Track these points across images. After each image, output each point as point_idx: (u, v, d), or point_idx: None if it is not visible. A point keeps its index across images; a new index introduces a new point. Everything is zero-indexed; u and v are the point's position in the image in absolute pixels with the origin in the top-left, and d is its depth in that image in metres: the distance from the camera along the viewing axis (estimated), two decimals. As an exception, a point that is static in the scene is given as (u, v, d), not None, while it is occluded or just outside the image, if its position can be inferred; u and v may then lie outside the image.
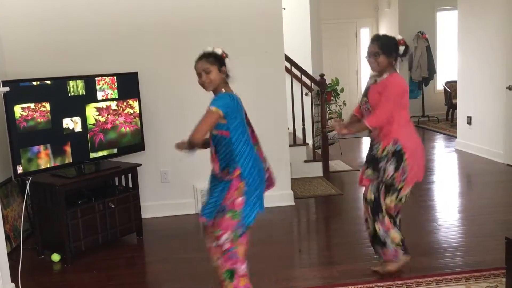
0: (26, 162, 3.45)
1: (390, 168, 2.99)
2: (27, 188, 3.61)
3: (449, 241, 3.74)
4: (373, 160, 3.08)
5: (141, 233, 4.10)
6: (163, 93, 4.50)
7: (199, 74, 2.61)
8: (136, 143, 4.15)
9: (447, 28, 9.30)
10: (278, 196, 4.77)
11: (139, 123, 4.15)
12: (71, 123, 3.71)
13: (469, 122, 6.74)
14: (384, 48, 3.00)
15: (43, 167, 3.56)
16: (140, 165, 4.10)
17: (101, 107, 3.88)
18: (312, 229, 4.48)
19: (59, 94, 3.64)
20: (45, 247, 3.77)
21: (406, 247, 3.16)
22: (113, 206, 3.86)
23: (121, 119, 4.02)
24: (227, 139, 2.57)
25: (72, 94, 3.72)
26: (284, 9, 4.93)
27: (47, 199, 3.64)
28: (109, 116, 3.94)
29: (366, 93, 3.14)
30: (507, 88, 5.79)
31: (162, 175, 4.60)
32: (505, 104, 5.88)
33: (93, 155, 3.87)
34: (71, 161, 3.72)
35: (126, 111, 4.05)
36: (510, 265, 2.68)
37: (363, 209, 3.21)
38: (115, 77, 3.96)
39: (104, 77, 3.88)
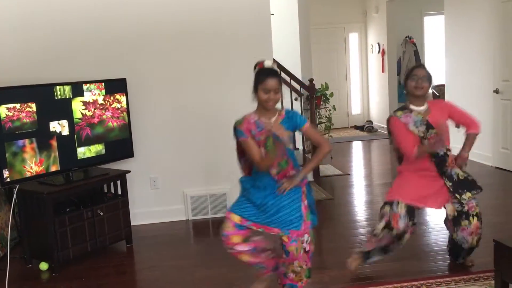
0: (11, 156, 3.38)
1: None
2: (14, 196, 3.56)
3: (439, 244, 3.75)
4: (463, 184, 3.15)
5: (131, 240, 4.07)
6: (152, 100, 4.47)
7: (268, 91, 2.60)
8: (124, 138, 4.09)
9: (434, 33, 9.40)
10: (269, 201, 4.76)
11: (126, 118, 4.10)
12: (58, 126, 3.67)
13: (457, 126, 6.77)
14: (429, 75, 3.11)
15: (29, 165, 3.48)
16: (129, 171, 4.07)
17: (87, 101, 3.83)
18: (303, 234, 4.46)
19: (45, 98, 3.60)
20: (33, 256, 3.72)
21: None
22: (101, 213, 3.82)
23: (108, 114, 3.97)
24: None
25: (59, 97, 3.68)
26: (273, 14, 4.95)
27: (34, 207, 3.59)
28: (96, 110, 3.89)
29: (430, 126, 3.09)
30: (494, 91, 5.85)
31: (152, 181, 4.57)
32: (493, 107, 5.94)
33: (80, 153, 3.80)
34: (58, 164, 3.65)
35: (113, 106, 4.00)
36: (499, 267, 2.69)
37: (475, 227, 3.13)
38: (103, 83, 3.94)
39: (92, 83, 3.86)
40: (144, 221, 4.52)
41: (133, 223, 4.15)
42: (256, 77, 2.64)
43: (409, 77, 3.12)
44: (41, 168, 3.57)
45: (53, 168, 3.65)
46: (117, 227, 3.97)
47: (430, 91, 3.20)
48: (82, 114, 3.80)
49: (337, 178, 6.03)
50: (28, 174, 3.50)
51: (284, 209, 2.65)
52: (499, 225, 4.07)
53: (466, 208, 3.10)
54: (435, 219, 4.37)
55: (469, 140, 3.26)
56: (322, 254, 3.83)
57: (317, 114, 6.29)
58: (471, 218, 3.08)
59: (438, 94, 8.77)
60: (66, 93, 3.72)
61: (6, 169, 3.38)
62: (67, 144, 3.73)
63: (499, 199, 4.95)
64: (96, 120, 3.90)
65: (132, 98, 4.22)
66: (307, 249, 2.70)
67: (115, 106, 4.02)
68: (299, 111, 6.08)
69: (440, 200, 3.13)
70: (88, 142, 3.86)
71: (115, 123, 4.02)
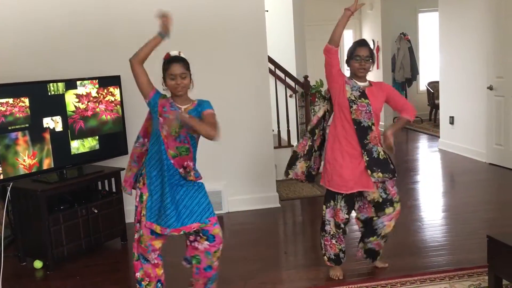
0: (4, 149, 3.35)
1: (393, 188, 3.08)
2: (8, 194, 3.55)
3: (433, 240, 3.77)
4: (379, 163, 3.01)
5: (126, 238, 4.06)
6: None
7: (174, 77, 2.61)
8: (117, 131, 4.07)
9: (429, 30, 9.42)
10: (264, 198, 4.78)
11: (120, 111, 4.07)
12: (52, 123, 3.65)
13: (452, 122, 6.82)
14: (372, 54, 3.07)
15: (22, 157, 3.45)
16: (123, 169, 4.03)
17: (81, 94, 3.81)
18: (298, 231, 4.48)
19: (38, 94, 3.58)
20: (27, 254, 3.70)
21: None
22: (96, 211, 3.81)
23: (102, 107, 3.95)
24: (195, 142, 2.71)
25: (53, 93, 3.66)
26: (267, 11, 4.94)
27: (28, 205, 3.58)
28: (89, 103, 3.86)
29: (364, 96, 3.01)
30: (487, 88, 5.87)
31: (146, 179, 4.55)
32: (486, 103, 5.97)
33: (74, 149, 3.77)
34: (51, 157, 3.62)
35: (107, 99, 3.97)
36: (492, 263, 2.71)
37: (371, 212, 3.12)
38: (97, 80, 3.92)
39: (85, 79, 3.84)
40: (139, 218, 4.50)
41: (127, 220, 4.13)
42: (163, 67, 2.65)
43: (352, 57, 3.04)
44: (34, 161, 3.54)
45: (46, 162, 3.62)
46: (112, 224, 3.95)
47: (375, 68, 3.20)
48: (75, 107, 3.78)
49: (332, 174, 6.03)
50: (21, 167, 3.47)
51: (189, 201, 2.67)
52: (493, 221, 4.10)
53: (390, 195, 3.05)
54: (429, 215, 4.40)
55: (399, 123, 3.16)
56: (317, 251, 3.84)
57: (312, 111, 6.28)
58: (395, 204, 3.06)
59: (432, 91, 8.81)
60: (60, 89, 3.70)
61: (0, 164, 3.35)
62: (61, 140, 3.70)
63: (493, 195, 4.98)
64: (89, 113, 3.87)
65: (126, 95, 4.19)
66: None
67: (108, 99, 3.98)
68: (294, 108, 6.08)
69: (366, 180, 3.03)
70: (82, 135, 3.83)
71: (108, 116, 4.00)
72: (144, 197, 2.70)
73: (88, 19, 4.28)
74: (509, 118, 5.61)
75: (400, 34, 9.17)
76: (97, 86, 3.91)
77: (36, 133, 3.54)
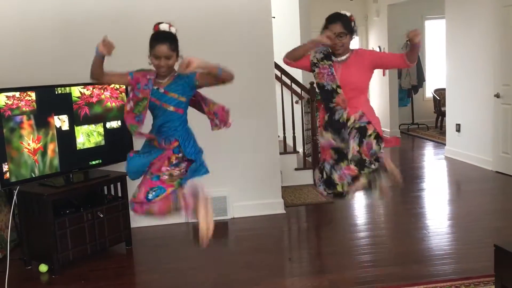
0: (8, 132, 3.34)
1: (354, 145, 2.83)
2: (15, 197, 3.56)
3: (439, 248, 3.75)
4: (335, 125, 2.88)
5: (130, 242, 4.06)
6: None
7: (158, 57, 2.57)
8: (122, 119, 3.98)
9: (435, 37, 9.40)
10: (269, 204, 4.77)
11: (125, 98, 4.04)
12: (58, 121, 3.66)
13: (458, 130, 6.79)
14: (348, 27, 2.84)
15: (26, 141, 3.44)
16: (129, 174, 4.06)
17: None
18: (303, 237, 4.47)
19: (45, 95, 3.60)
20: (32, 258, 3.71)
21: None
22: (101, 215, 3.82)
23: (107, 94, 3.95)
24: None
25: (60, 92, 3.68)
26: (274, 17, 4.95)
27: (34, 208, 3.59)
28: (94, 90, 3.87)
29: (328, 58, 2.86)
30: (494, 95, 5.85)
31: (152, 184, 4.56)
32: (493, 111, 5.94)
33: (79, 144, 3.76)
34: (56, 142, 3.61)
35: (112, 86, 3.96)
36: (499, 272, 2.69)
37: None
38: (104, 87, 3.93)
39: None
40: (144, 223, 4.50)
41: (133, 225, 4.14)
42: (150, 40, 2.59)
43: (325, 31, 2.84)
44: (38, 145, 3.53)
45: (51, 147, 3.60)
46: (117, 229, 3.96)
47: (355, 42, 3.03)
48: (80, 93, 3.78)
49: (337, 181, 6.01)
50: (26, 151, 3.46)
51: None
52: (500, 229, 4.07)
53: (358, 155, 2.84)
54: (435, 223, 4.37)
55: (413, 51, 2.81)
56: (321, 258, 3.83)
57: (318, 117, 6.28)
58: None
59: (439, 98, 8.78)
60: (67, 89, 3.72)
61: (6, 163, 3.36)
62: (67, 138, 3.70)
63: (499, 204, 4.95)
64: (94, 99, 3.86)
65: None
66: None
67: (114, 87, 3.97)
68: (300, 114, 6.08)
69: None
70: (86, 121, 3.81)
71: (113, 104, 3.99)
72: None
73: (92, 23, 4.31)
74: (516, 126, 5.59)
75: (407, 41, 9.13)
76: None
77: (41, 117, 3.54)
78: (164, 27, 2.60)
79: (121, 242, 4.02)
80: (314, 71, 2.89)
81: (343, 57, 2.91)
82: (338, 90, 2.85)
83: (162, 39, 2.56)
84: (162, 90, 2.64)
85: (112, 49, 2.53)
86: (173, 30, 2.63)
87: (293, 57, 2.97)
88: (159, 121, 2.68)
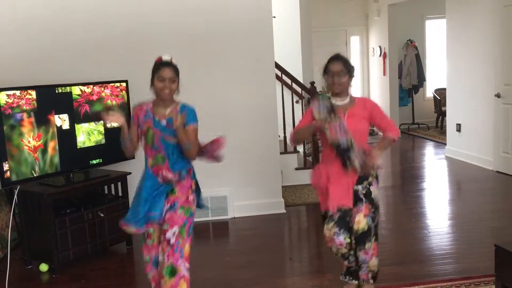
0: (9, 129, 3.35)
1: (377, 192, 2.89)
2: (15, 197, 3.56)
3: (439, 248, 3.75)
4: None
5: (131, 242, 4.06)
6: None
7: (163, 79, 2.64)
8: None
9: (436, 36, 9.40)
10: (269, 204, 4.77)
11: (126, 96, 4.06)
12: (59, 120, 3.66)
13: (459, 129, 6.79)
14: (348, 67, 2.83)
15: (27, 139, 3.44)
16: (130, 173, 4.06)
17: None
18: (303, 237, 4.47)
19: (46, 95, 3.61)
20: (33, 257, 3.71)
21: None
22: (102, 215, 3.82)
23: (107, 91, 3.95)
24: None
25: (60, 91, 3.68)
26: (274, 17, 4.95)
27: (35, 208, 3.59)
28: (94, 87, 3.87)
29: (334, 113, 2.81)
30: (495, 95, 5.85)
31: (152, 183, 4.55)
32: (494, 111, 5.94)
33: (80, 143, 3.77)
34: (56, 140, 3.62)
35: (112, 84, 3.98)
36: (500, 272, 2.69)
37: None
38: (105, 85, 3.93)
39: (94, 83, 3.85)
40: (144, 223, 4.50)
41: (133, 225, 4.14)
42: (153, 69, 2.69)
43: (325, 71, 2.83)
44: (39, 142, 3.53)
45: (51, 145, 3.60)
46: (118, 228, 3.91)
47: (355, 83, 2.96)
48: (81, 90, 3.79)
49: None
50: (26, 148, 3.46)
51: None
52: (500, 229, 4.07)
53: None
54: (436, 223, 4.37)
55: (384, 142, 2.88)
56: (322, 258, 3.82)
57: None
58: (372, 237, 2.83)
59: (439, 98, 8.78)
60: (67, 88, 3.72)
61: (6, 162, 3.36)
62: (68, 137, 3.70)
63: (500, 204, 4.95)
64: (95, 97, 3.87)
65: (133, 101, 4.21)
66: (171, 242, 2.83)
67: (114, 84, 3.99)
68: (300, 114, 6.08)
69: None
70: (86, 119, 3.81)
71: (114, 102, 3.99)
72: None
73: (94, 24, 4.31)
74: (517, 126, 5.59)
75: (407, 41, 9.16)
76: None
77: (41, 115, 3.54)
78: (166, 58, 2.71)
79: (122, 242, 4.02)
80: (325, 127, 2.79)
81: (345, 102, 2.85)
82: (353, 145, 2.76)
83: (167, 64, 2.67)
84: (164, 123, 2.68)
85: (122, 118, 2.73)
86: (174, 62, 2.72)
87: (297, 141, 3.07)
88: (162, 153, 2.73)
